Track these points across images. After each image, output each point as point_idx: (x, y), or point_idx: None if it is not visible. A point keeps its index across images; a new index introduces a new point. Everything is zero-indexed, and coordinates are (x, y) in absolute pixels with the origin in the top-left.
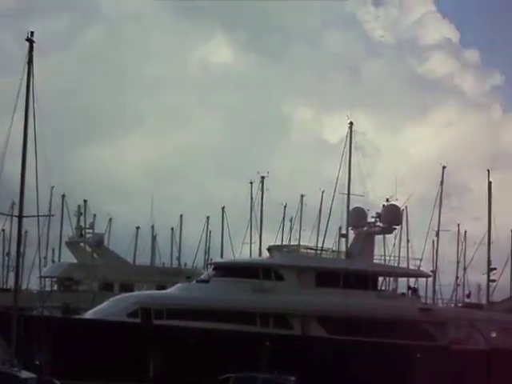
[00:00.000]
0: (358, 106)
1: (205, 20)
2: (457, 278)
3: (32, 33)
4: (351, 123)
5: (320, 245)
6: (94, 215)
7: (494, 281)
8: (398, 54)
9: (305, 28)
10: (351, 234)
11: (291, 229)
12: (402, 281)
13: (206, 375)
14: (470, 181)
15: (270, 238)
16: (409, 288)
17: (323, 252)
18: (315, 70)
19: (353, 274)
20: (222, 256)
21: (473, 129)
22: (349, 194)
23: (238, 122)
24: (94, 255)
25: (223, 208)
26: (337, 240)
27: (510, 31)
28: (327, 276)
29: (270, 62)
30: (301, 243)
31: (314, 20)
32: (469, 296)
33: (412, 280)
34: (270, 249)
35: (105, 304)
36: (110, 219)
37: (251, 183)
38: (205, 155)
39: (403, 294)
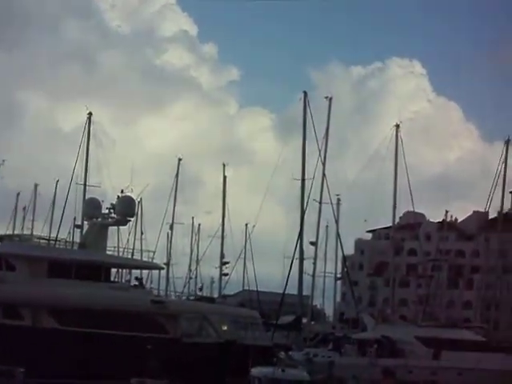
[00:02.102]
0: (94, 96)
1: None
2: (190, 270)
3: None
4: (90, 113)
5: (54, 235)
6: None
7: (226, 274)
8: (135, 45)
9: (43, 15)
10: (86, 225)
11: (24, 218)
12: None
13: None
14: (204, 174)
15: (2, 227)
16: (136, 279)
17: (57, 242)
18: (51, 58)
19: (85, 266)
20: None
21: (209, 123)
22: (85, 184)
23: None
24: None
25: None
26: (71, 231)
27: (248, 27)
28: (59, 267)
29: (3, 48)
30: (34, 233)
31: (52, 7)
32: (201, 289)
33: (147, 272)
34: (1, 238)
35: None
36: None
37: None
38: None
39: (136, 285)
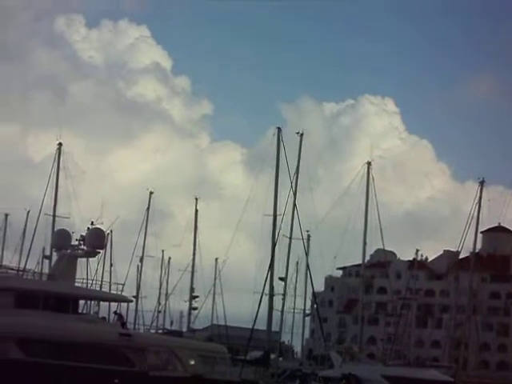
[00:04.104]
0: (65, 126)
1: None
2: (159, 304)
3: None
4: (60, 144)
5: (23, 265)
6: None
7: (195, 308)
8: (107, 76)
9: (7, 44)
10: (55, 256)
11: None
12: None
13: None
14: (175, 207)
15: None
16: (115, 313)
17: (25, 273)
18: (20, 87)
19: (53, 297)
20: None
21: (180, 156)
22: (54, 215)
23: None
24: None
25: None
26: (40, 261)
27: (222, 62)
28: (27, 297)
29: None
30: (3, 263)
31: (24, 36)
32: (172, 323)
33: (115, 305)
34: None
35: None
36: None
37: None
38: None
39: (104, 318)
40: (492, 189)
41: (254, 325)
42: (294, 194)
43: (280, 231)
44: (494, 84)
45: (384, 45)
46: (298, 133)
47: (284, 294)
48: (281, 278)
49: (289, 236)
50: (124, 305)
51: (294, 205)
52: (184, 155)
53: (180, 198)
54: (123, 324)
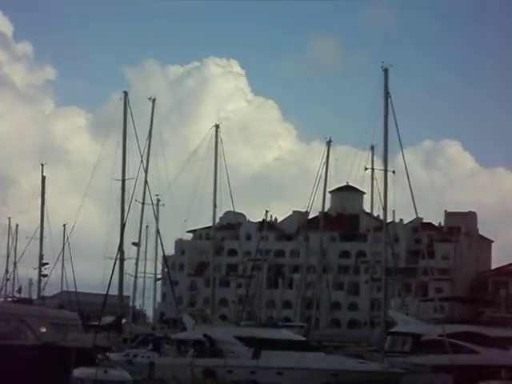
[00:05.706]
0: None
1: None
2: (7, 272)
3: None
4: None
5: None
6: None
7: (45, 275)
8: None
9: None
10: None
11: None
12: None
13: None
14: (20, 174)
15: None
16: None
17: None
18: None
19: None
20: None
21: (24, 122)
22: None
23: None
24: None
25: None
26: None
27: (64, 26)
28: None
29: None
30: None
31: None
32: (20, 290)
33: None
34: None
35: None
36: None
37: None
38: None
39: None
40: (338, 148)
41: (108, 290)
42: (147, 159)
43: (132, 196)
44: (336, 43)
45: (227, 7)
46: (149, 98)
47: (137, 259)
48: (134, 243)
49: (141, 201)
50: None
51: (146, 169)
52: (27, 121)
53: (25, 165)
54: None
